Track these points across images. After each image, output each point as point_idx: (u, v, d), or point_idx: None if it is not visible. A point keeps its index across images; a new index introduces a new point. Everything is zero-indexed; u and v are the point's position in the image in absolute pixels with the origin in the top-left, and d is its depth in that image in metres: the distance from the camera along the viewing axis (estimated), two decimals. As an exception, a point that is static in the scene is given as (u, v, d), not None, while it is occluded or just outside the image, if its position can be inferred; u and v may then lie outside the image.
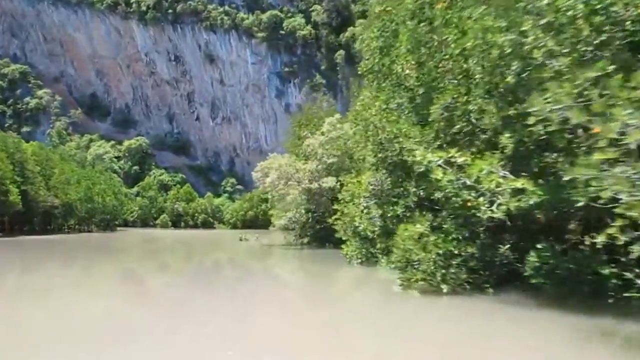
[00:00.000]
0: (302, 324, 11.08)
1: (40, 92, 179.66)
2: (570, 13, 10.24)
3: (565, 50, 10.59)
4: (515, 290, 13.14)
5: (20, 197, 63.57)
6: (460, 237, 13.55)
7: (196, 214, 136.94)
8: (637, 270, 10.20)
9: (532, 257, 11.42)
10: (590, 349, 8.49)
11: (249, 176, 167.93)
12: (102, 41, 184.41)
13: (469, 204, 12.80)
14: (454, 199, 13.03)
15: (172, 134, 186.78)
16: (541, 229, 14.13)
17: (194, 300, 14.26)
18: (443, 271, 12.87)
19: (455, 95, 13.99)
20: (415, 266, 13.42)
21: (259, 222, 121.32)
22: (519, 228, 14.21)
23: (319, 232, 39.02)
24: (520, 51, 11.34)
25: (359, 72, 28.04)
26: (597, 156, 8.39)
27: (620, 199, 8.28)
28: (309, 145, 36.69)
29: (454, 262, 13.08)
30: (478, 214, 12.43)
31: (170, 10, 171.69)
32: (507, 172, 11.58)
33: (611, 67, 8.99)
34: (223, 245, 54.17)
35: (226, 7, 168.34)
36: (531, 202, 10.71)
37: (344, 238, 27.82)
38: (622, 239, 8.82)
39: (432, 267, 13.00)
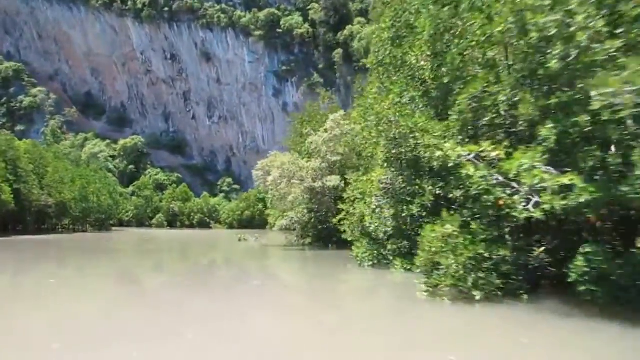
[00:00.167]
0: (325, 334, 9.89)
1: (34, 91, 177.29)
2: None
3: (619, 31, 9.50)
4: (551, 297, 12.04)
5: (12, 196, 61.83)
6: (490, 239, 12.44)
7: (192, 214, 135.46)
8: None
9: (579, 262, 10.25)
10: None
11: (245, 176, 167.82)
12: (98, 39, 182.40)
13: (501, 202, 11.70)
14: (485, 197, 11.86)
15: (168, 133, 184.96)
16: (577, 230, 13.06)
17: (205, 309, 13.06)
18: (474, 275, 11.69)
19: (485, 85, 12.81)
20: (443, 270, 12.23)
21: (255, 222, 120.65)
22: (554, 229, 13.12)
23: (322, 233, 37.95)
24: (566, 33, 10.19)
25: (367, 66, 27.02)
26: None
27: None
28: (311, 142, 35.52)
29: (485, 266, 11.93)
30: (514, 214, 11.28)
31: (166, 8, 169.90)
32: (550, 168, 10.45)
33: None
34: (222, 245, 52.88)
35: (223, 5, 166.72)
36: (581, 200, 9.56)
37: (349, 239, 26.73)
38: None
39: (462, 272, 11.82)
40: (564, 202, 9.83)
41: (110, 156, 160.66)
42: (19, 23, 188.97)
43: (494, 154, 11.60)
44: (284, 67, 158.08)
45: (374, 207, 20.29)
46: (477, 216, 13.34)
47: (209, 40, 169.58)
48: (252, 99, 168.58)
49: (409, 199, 19.03)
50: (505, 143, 12.06)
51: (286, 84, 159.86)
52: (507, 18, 12.34)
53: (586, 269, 10.07)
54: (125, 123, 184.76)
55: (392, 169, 20.20)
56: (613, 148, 10.00)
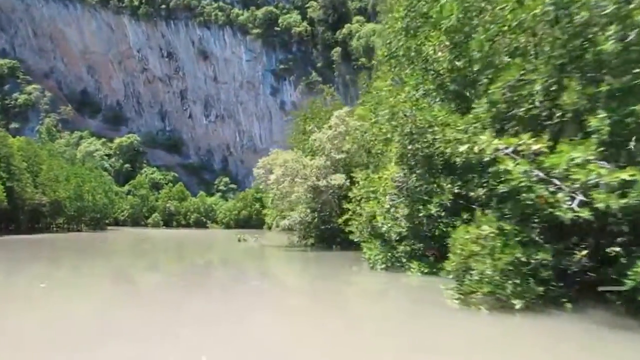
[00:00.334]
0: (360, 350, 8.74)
1: (29, 88, 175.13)
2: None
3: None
4: (597, 306, 10.91)
5: (5, 194, 60.43)
6: (526, 241, 11.31)
7: (188, 213, 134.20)
8: None
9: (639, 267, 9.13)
10: None
11: (242, 175, 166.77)
12: (94, 37, 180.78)
13: (542, 200, 10.58)
14: (524, 195, 10.72)
15: (164, 131, 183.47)
16: (618, 232, 11.93)
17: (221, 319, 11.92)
18: (513, 282, 10.55)
19: (522, 72, 11.67)
20: (476, 276, 11.07)
21: (252, 222, 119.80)
22: (595, 230, 11.99)
23: (325, 233, 36.78)
24: (624, 11, 9.07)
25: (372, 62, 25.93)
26: None
27: None
28: (315, 139, 34.36)
29: (523, 271, 10.79)
30: (557, 213, 10.15)
31: (163, 6, 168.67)
32: (604, 162, 9.33)
33: None
34: (221, 246, 51.56)
35: (220, 3, 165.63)
36: (645, 197, 8.44)
37: (357, 240, 25.59)
38: None
39: (499, 277, 10.68)
40: (623, 201, 8.70)
41: (106, 155, 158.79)
42: (14, 20, 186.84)
43: (534, 147, 10.46)
44: (282, 66, 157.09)
45: (388, 206, 19.11)
46: (507, 216, 12.25)
47: (206, 38, 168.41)
48: (249, 98, 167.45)
49: (425, 197, 17.93)
50: (545, 136, 10.92)
51: (284, 83, 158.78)
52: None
53: (646, 277, 8.95)
54: (121, 121, 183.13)
55: (408, 166, 19.10)
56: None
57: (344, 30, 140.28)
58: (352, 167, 31.44)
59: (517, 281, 10.65)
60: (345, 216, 27.84)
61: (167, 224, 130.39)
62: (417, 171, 18.94)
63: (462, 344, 8.98)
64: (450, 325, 10.44)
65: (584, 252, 11.28)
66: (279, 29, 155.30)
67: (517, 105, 12.12)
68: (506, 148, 10.80)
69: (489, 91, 12.23)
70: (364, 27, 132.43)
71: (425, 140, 17.85)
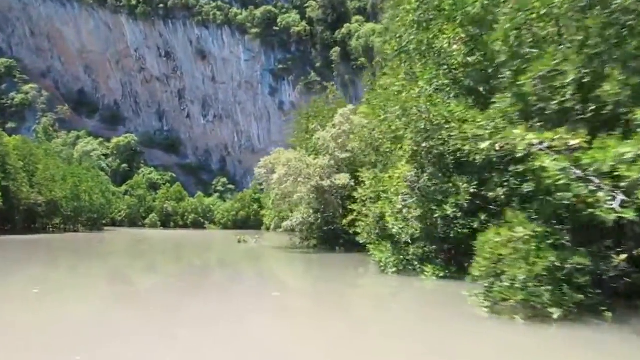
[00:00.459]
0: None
1: (26, 87, 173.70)
2: None
3: None
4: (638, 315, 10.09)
5: (0, 193, 59.37)
6: (560, 244, 10.48)
7: (186, 214, 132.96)
8: None
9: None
10: None
11: (240, 175, 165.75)
12: (91, 36, 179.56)
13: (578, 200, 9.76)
14: (560, 194, 9.88)
15: (162, 131, 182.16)
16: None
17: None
18: (550, 289, 9.69)
19: (555, 61, 10.82)
20: (507, 282, 10.20)
21: (250, 222, 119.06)
22: (636, 233, 11.18)
23: (328, 234, 35.93)
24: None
25: (387, 52, 24.94)
26: None
27: None
28: (319, 138, 33.49)
29: (558, 277, 9.95)
30: (598, 214, 9.31)
31: (161, 5, 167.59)
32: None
33: None
34: (221, 247, 50.60)
35: (219, 2, 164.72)
36: None
37: (362, 241, 24.73)
38: None
39: (533, 284, 9.82)
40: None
41: (103, 154, 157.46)
42: (11, 19, 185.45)
43: (572, 142, 9.62)
44: (281, 66, 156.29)
45: (400, 206, 18.23)
46: (534, 217, 11.42)
47: (204, 38, 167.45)
48: (247, 98, 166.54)
49: (440, 197, 17.07)
50: (583, 130, 10.08)
51: (282, 83, 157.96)
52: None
53: None
54: (118, 121, 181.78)
55: (420, 164, 18.25)
56: None
57: (343, 30, 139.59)
58: (356, 167, 30.56)
59: (552, 288, 9.79)
60: (351, 217, 26.99)
61: (165, 224, 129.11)
62: (430, 170, 18.11)
63: (492, 354, 8.18)
64: (477, 333, 9.60)
65: (623, 256, 10.46)
66: (277, 28, 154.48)
67: (546, 98, 11.28)
68: (540, 143, 9.95)
69: (518, 83, 11.37)
70: (363, 27, 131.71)
71: (440, 137, 17.02)
